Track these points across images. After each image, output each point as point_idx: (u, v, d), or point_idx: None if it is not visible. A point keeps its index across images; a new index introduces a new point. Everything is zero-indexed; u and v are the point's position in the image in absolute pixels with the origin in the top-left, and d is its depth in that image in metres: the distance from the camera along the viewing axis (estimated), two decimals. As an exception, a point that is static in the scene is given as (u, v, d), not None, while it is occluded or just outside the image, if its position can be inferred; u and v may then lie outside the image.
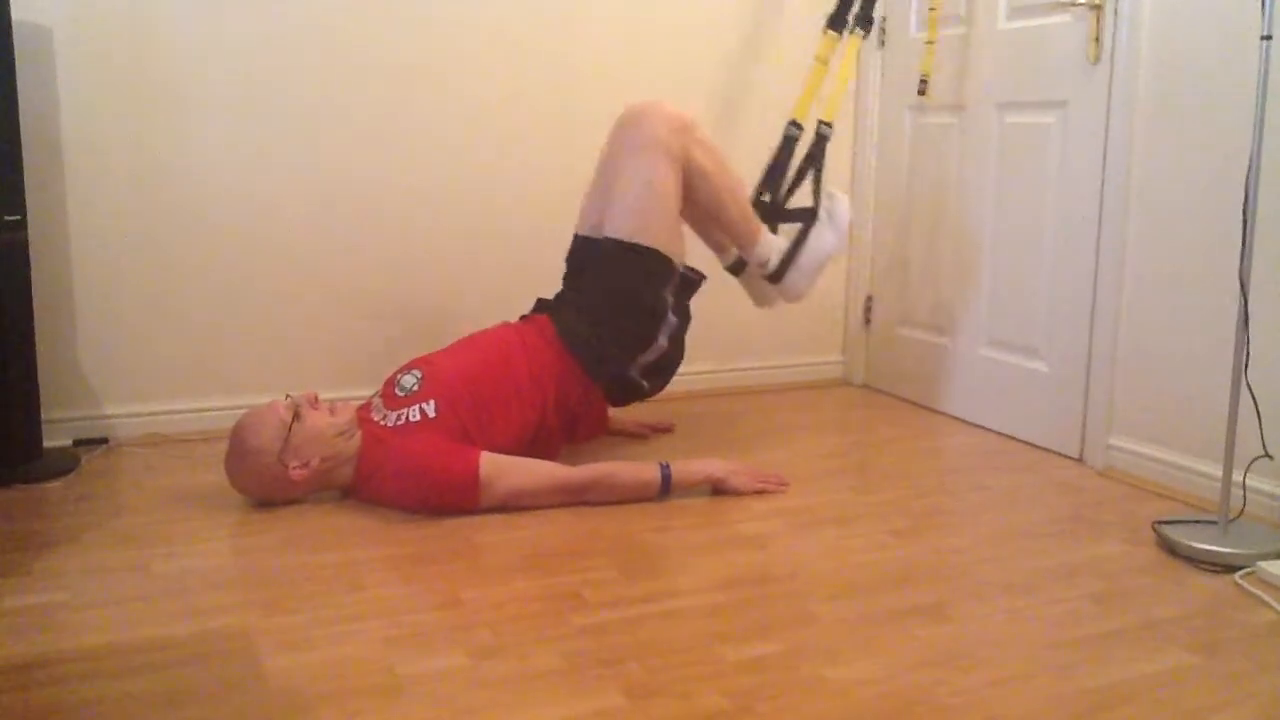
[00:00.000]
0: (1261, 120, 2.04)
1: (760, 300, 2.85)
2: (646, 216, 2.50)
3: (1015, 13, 2.87)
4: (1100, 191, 2.63)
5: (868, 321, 3.54)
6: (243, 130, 2.80)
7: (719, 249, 2.80)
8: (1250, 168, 2.05)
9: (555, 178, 3.14)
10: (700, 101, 3.27)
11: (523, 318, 2.66)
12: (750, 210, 2.66)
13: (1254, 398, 2.22)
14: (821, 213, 2.72)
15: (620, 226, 2.51)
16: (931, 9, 3.00)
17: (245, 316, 2.87)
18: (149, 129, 2.72)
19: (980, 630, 1.78)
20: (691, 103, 3.25)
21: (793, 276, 2.69)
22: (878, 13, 3.34)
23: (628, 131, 2.54)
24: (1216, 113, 2.35)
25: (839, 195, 2.73)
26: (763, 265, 2.69)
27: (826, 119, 2.82)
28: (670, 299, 2.55)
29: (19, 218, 2.43)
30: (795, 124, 2.88)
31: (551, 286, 2.71)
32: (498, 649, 1.68)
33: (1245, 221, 2.06)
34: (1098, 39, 2.60)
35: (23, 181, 2.44)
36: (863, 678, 1.61)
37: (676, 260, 2.54)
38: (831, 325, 3.58)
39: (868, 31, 2.91)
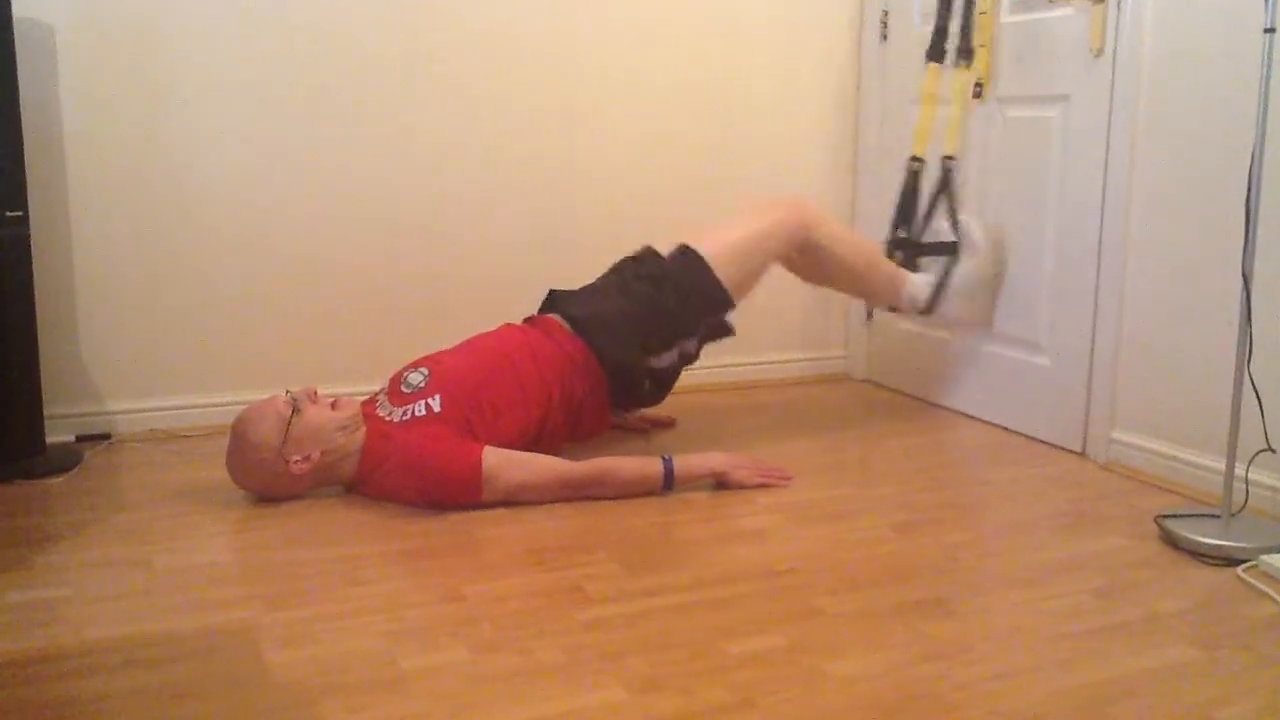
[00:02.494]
0: (1264, 113, 2.03)
1: (949, 323, 3.07)
2: (735, 255, 2.62)
3: (1017, 6, 2.86)
4: (1103, 185, 2.63)
5: (870, 316, 3.53)
6: (244, 127, 2.80)
7: (869, 301, 3.10)
8: (1253, 161, 2.04)
9: (558, 177, 3.14)
10: (695, 96, 3.27)
11: (527, 319, 2.67)
12: (887, 270, 2.84)
13: (1257, 391, 2.21)
14: (961, 244, 2.87)
15: (705, 246, 2.61)
16: (982, 12, 2.96)
17: (247, 312, 2.87)
18: (150, 125, 2.72)
19: (983, 624, 1.78)
20: (699, 110, 3.26)
21: (946, 307, 2.87)
22: (879, 8, 3.35)
23: (757, 204, 2.73)
24: (1219, 106, 2.35)
25: (969, 221, 2.88)
26: (914, 306, 2.88)
27: (949, 153, 2.88)
28: (702, 330, 2.64)
29: (21, 214, 2.43)
30: (916, 159, 2.97)
31: (554, 286, 2.71)
32: (500, 643, 1.68)
33: (1248, 215, 2.06)
34: (1100, 32, 2.59)
35: (24, 177, 2.44)
36: (865, 672, 1.61)
37: (733, 307, 2.64)
38: (834, 320, 3.58)
39: (970, 62, 2.90)
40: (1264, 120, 2.03)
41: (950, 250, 2.87)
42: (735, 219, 2.70)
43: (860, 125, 3.48)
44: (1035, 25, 2.80)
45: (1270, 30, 2.00)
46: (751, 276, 2.67)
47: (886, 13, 3.35)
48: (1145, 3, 2.48)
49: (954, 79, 2.88)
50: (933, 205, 2.90)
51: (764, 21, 3.31)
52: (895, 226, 2.98)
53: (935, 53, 2.96)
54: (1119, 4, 2.54)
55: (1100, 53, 2.61)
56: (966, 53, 2.89)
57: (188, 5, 2.70)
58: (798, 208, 2.69)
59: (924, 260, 2.93)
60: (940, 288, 2.85)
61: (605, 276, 2.70)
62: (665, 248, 2.66)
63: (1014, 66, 2.88)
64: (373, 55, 2.89)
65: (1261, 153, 2.04)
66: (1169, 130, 2.46)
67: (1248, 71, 2.27)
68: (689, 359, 2.69)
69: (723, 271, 2.59)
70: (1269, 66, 2.01)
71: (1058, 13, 2.72)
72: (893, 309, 3.04)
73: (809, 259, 2.75)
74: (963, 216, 2.89)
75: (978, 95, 3.10)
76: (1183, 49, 2.42)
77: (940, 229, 2.92)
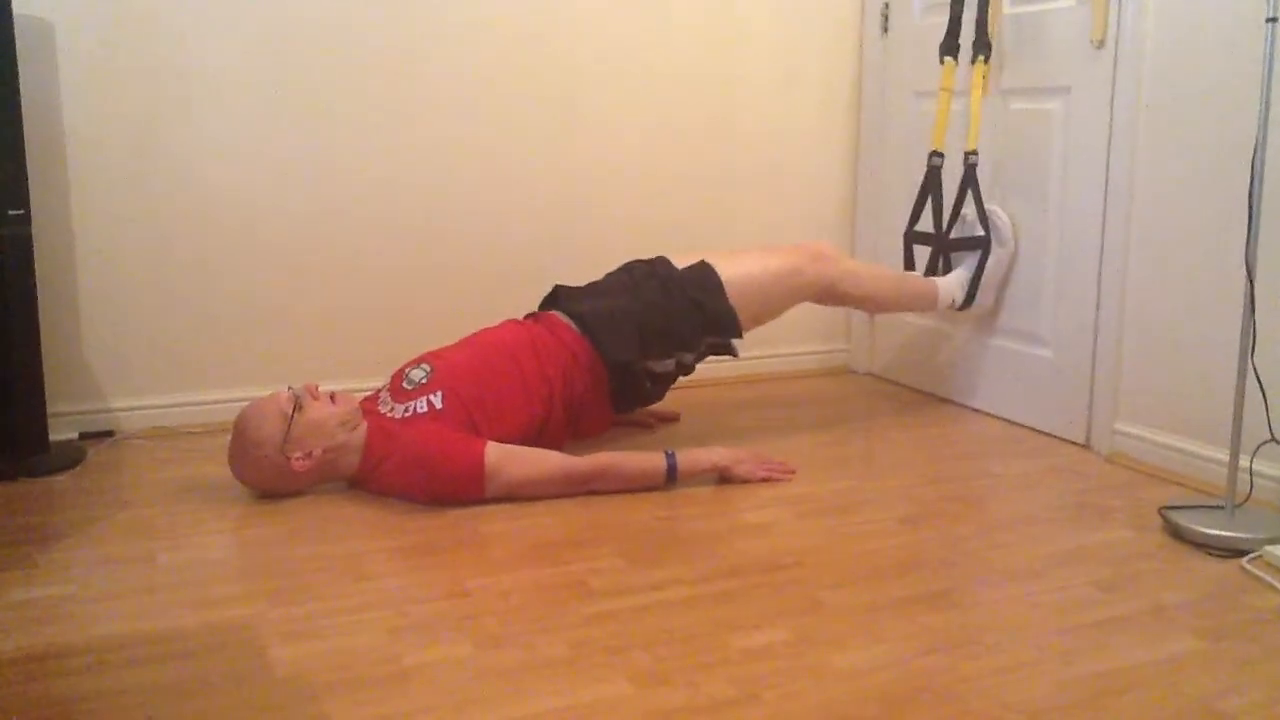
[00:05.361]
0: (1267, 104, 2.03)
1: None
2: (753, 286, 2.63)
3: (1019, -2, 2.86)
4: (1105, 177, 2.62)
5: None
6: (246, 124, 2.80)
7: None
8: (1256, 152, 2.04)
9: (560, 174, 3.13)
10: (694, 93, 3.26)
11: (530, 315, 2.66)
12: (915, 288, 2.88)
13: (1260, 382, 2.21)
14: (991, 237, 2.89)
15: (725, 270, 2.60)
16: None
17: (249, 309, 2.87)
18: (151, 122, 2.72)
19: (987, 616, 1.78)
20: (700, 107, 3.25)
21: (980, 299, 2.92)
22: (880, 0, 3.34)
23: (783, 245, 2.76)
24: (1222, 97, 2.34)
25: (996, 210, 2.90)
26: (952, 305, 2.92)
27: (971, 148, 2.87)
28: (703, 347, 2.64)
29: (22, 212, 2.43)
30: (937, 154, 2.97)
31: (555, 283, 2.71)
32: (504, 638, 1.68)
33: (1251, 205, 2.05)
34: (1102, 24, 2.59)
35: (26, 176, 2.44)
36: (870, 665, 1.61)
37: (740, 336, 2.64)
38: (836, 313, 3.57)
39: (987, 57, 2.88)
40: (1266, 111, 2.03)
41: (982, 245, 2.88)
42: (755, 253, 2.69)
43: (862, 117, 3.47)
44: (1036, 17, 2.79)
45: (1272, 20, 1.99)
46: (768, 311, 2.68)
47: (887, 5, 3.34)
48: (1147, -7, 2.48)
49: (973, 73, 2.87)
50: (959, 201, 2.90)
51: (765, 14, 3.31)
52: (914, 221, 2.99)
53: (949, 47, 2.94)
54: (1121, -5, 2.54)
55: (1101, 44, 2.60)
56: (984, 46, 2.87)
57: (189, 2, 2.70)
58: (814, 257, 2.68)
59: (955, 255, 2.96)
60: (975, 281, 2.89)
61: (614, 274, 2.70)
62: (682, 261, 2.65)
63: (1015, 58, 2.87)
64: (374, 52, 2.89)
65: (1264, 143, 2.04)
66: (1171, 122, 2.46)
67: (1250, 62, 2.26)
68: (685, 370, 2.69)
69: (736, 298, 2.58)
70: (1271, 57, 2.01)
71: (1059, 4, 2.72)
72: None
73: (836, 300, 2.78)
74: (989, 206, 2.90)
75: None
76: (1184, 40, 2.41)
77: (968, 223, 2.93)
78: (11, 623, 1.73)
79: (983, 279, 2.89)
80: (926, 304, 2.91)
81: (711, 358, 2.74)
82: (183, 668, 1.59)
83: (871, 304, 2.86)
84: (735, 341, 2.67)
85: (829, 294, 2.72)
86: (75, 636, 1.68)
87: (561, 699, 1.51)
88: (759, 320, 2.68)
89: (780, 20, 3.33)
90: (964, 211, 2.89)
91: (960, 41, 2.93)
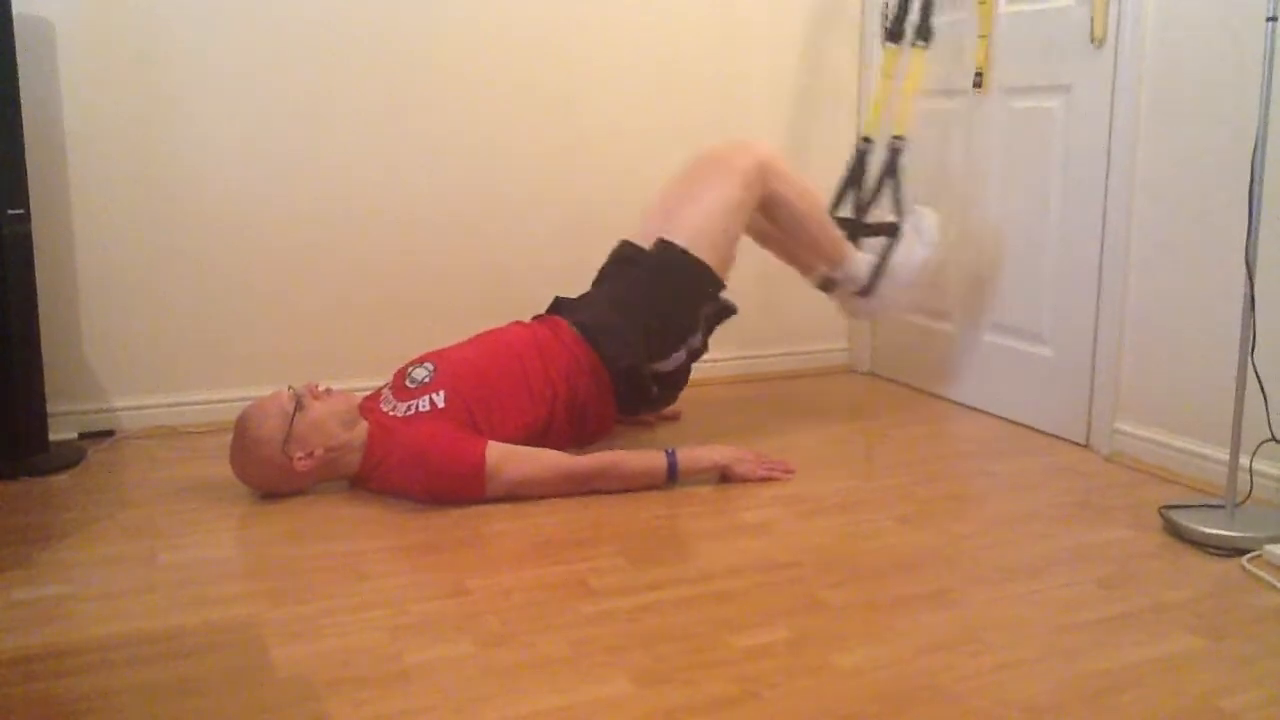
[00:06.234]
0: (1267, 101, 2.03)
1: (853, 314, 2.97)
2: (710, 235, 2.56)
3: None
4: (1105, 175, 2.62)
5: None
6: (246, 123, 2.80)
7: (806, 269, 2.88)
8: (1256, 150, 2.04)
9: (561, 172, 3.13)
10: (693, 86, 3.26)
11: (536, 317, 2.66)
12: (836, 233, 2.74)
13: (1260, 381, 2.21)
14: (906, 227, 2.78)
15: (681, 235, 2.56)
16: (981, 2, 2.96)
17: (249, 308, 2.87)
18: (151, 121, 2.72)
19: (987, 615, 1.78)
20: (700, 104, 3.25)
21: (884, 290, 2.78)
22: (879, 1, 3.34)
23: (713, 161, 2.63)
24: (1222, 95, 2.34)
25: (924, 210, 2.81)
26: (853, 282, 2.77)
27: (899, 134, 2.84)
28: (703, 320, 2.61)
29: (22, 211, 2.43)
30: (865, 139, 2.94)
31: (557, 282, 2.72)
32: (505, 637, 1.68)
33: (1251, 204, 2.05)
34: (1102, 22, 2.59)
35: (26, 175, 2.44)
36: (870, 663, 1.61)
37: (723, 283, 2.60)
38: (836, 312, 3.57)
39: (928, 42, 2.88)
40: (1266, 108, 2.03)
41: (891, 231, 2.78)
42: (697, 188, 2.60)
43: (860, 118, 3.47)
44: (1036, 15, 2.79)
45: (1273, 19, 1.99)
46: (731, 246, 2.61)
47: (888, 4, 3.33)
48: (1147, -8, 2.48)
49: (911, 59, 2.86)
50: (879, 186, 2.84)
51: (765, 15, 3.31)
52: (836, 204, 2.91)
53: (894, 34, 2.95)
54: (1121, -7, 2.54)
55: (1102, 42, 2.60)
56: (925, 33, 2.87)
57: (189, 2, 2.70)
58: (754, 158, 2.58)
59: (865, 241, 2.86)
60: (879, 270, 2.77)
61: (599, 287, 2.69)
62: (640, 234, 2.63)
63: (1016, 57, 2.87)
64: (376, 50, 2.89)
65: (1264, 141, 2.04)
66: (1171, 120, 2.46)
67: (1250, 60, 2.26)
68: (697, 353, 2.67)
69: (704, 254, 2.55)
70: (1271, 55, 2.01)
71: (1059, 3, 2.72)
72: (825, 286, 2.88)
73: (766, 213, 2.66)
74: (920, 207, 2.82)
75: (978, 85, 3.09)
76: (1184, 38, 2.41)
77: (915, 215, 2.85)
78: (11, 622, 1.73)
79: (891, 273, 2.76)
80: (837, 258, 2.75)
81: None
82: (183, 667, 1.59)
83: (797, 224, 2.67)
84: (726, 298, 2.64)
85: (767, 203, 2.63)
86: (75, 636, 1.68)
87: (562, 698, 1.51)
88: (729, 256, 2.63)
89: (780, 20, 3.33)
90: (901, 199, 2.82)
91: (905, 29, 2.92)
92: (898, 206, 2.82)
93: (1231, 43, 2.31)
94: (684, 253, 2.55)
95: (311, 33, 2.82)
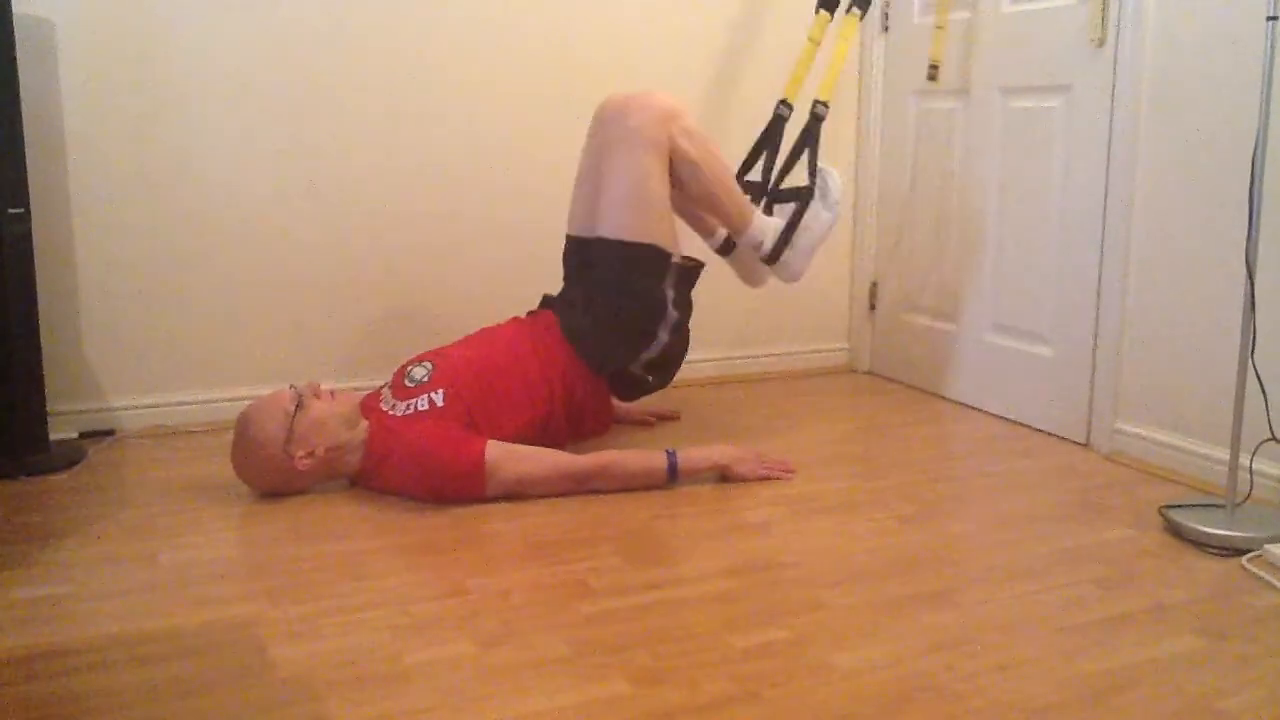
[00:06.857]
0: (1267, 102, 2.03)
1: (751, 279, 2.83)
2: (638, 212, 2.48)
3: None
4: (1105, 175, 2.62)
5: (872, 308, 3.53)
6: (246, 122, 2.80)
7: (706, 232, 2.78)
8: (1256, 150, 2.04)
9: (560, 170, 3.12)
10: (692, 86, 3.26)
11: (530, 314, 2.66)
12: (741, 195, 2.62)
13: (1260, 381, 2.21)
14: (816, 192, 2.67)
15: (612, 225, 2.50)
16: None
17: (249, 308, 2.87)
18: (151, 121, 2.72)
19: (987, 615, 1.78)
20: (681, 87, 3.25)
21: (789, 256, 2.65)
22: (880, 1, 3.34)
23: (612, 126, 2.51)
24: (1222, 95, 2.34)
25: (829, 169, 2.69)
26: (757, 248, 2.65)
27: (823, 98, 2.76)
28: (670, 292, 2.54)
29: (22, 210, 2.43)
30: (785, 104, 2.85)
31: (556, 280, 2.71)
32: (504, 637, 1.68)
33: (1251, 204, 2.05)
34: (1102, 22, 2.59)
35: (26, 174, 2.44)
36: (869, 663, 1.61)
37: (672, 252, 2.52)
38: (836, 312, 3.58)
39: (864, 11, 2.84)
40: (1267, 109, 2.03)
41: (804, 196, 2.67)
42: (605, 165, 2.51)
43: (861, 116, 3.47)
44: (1036, 15, 2.79)
45: (1273, 18, 1.99)
46: (664, 208, 2.49)
47: (888, 4, 3.34)
48: (1147, -8, 2.48)
49: (843, 24, 2.82)
50: (795, 151, 2.76)
51: (765, 12, 3.30)
52: (744, 170, 2.82)
53: (828, 3, 2.93)
54: (1121, -7, 2.54)
55: (1101, 42, 2.60)
56: (863, 2, 2.84)
57: (189, 1, 2.70)
58: (653, 113, 2.47)
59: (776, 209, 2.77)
60: (788, 233, 2.64)
61: (570, 288, 2.66)
62: (575, 219, 2.60)
63: (1016, 56, 2.87)
64: (375, 50, 2.89)
65: (1264, 141, 2.04)
66: (1171, 120, 2.46)
67: (1250, 60, 2.26)
68: (680, 325, 2.58)
69: (641, 233, 2.47)
70: (1272, 55, 2.01)
71: (1059, 2, 2.72)
72: (724, 250, 2.78)
73: (671, 172, 2.52)
74: (825, 166, 2.71)
75: (933, 78, 3.09)
76: (1185, 38, 2.41)
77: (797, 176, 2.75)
78: (11, 622, 1.73)
79: (798, 239, 2.64)
80: (741, 222, 2.62)
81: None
82: (183, 667, 1.59)
83: (697, 178, 2.52)
84: (685, 260, 2.56)
85: (673, 154, 2.49)
86: (76, 635, 1.68)
87: (561, 698, 1.51)
88: (669, 226, 2.52)
89: (780, 20, 3.32)
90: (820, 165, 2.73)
91: None
92: (813, 172, 2.71)
93: (1231, 43, 2.31)
94: (624, 244, 2.48)
95: (311, 33, 2.82)
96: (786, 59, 3.30)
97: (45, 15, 2.59)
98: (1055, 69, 2.74)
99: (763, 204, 2.75)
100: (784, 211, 2.69)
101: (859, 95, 3.46)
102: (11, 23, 2.36)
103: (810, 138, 2.75)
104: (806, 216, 2.65)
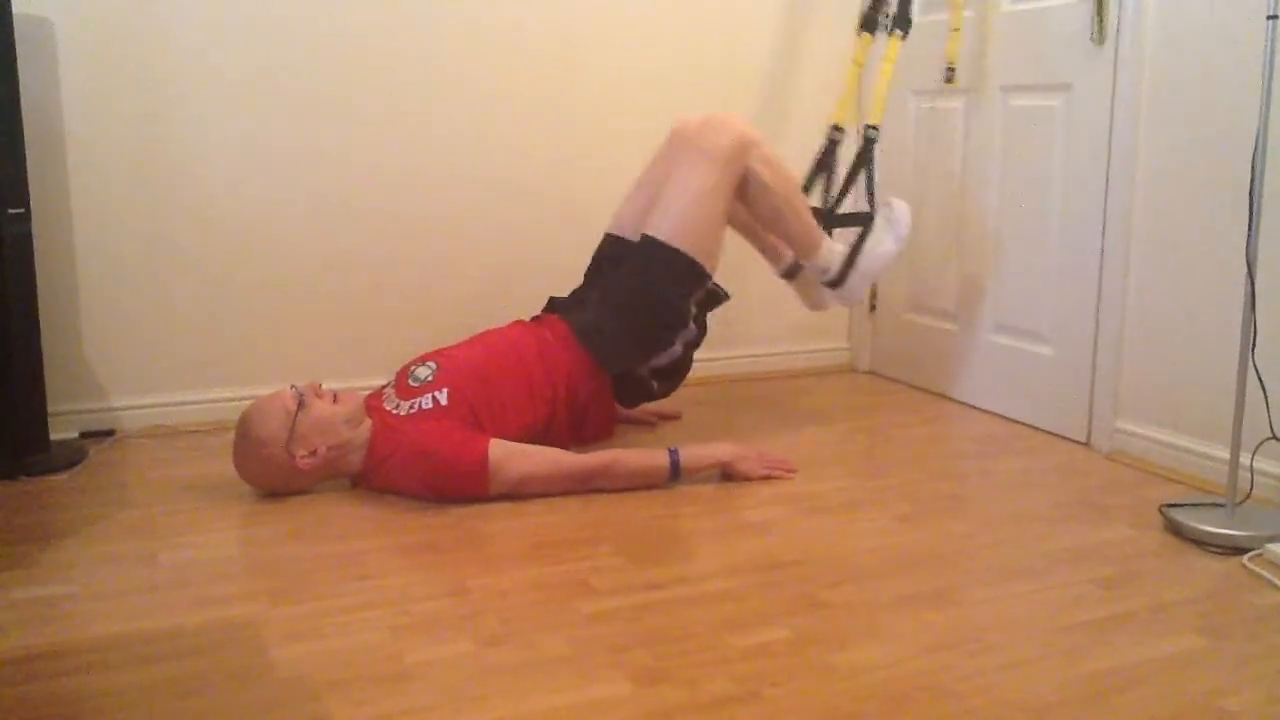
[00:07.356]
0: (1267, 100, 2.03)
1: (814, 304, 2.91)
2: (692, 224, 2.51)
3: (1019, -5, 2.86)
4: (1106, 174, 2.62)
5: (873, 308, 3.53)
6: (246, 122, 2.80)
7: (774, 256, 2.85)
8: (1256, 148, 2.04)
9: (561, 171, 3.13)
10: (693, 87, 3.26)
11: (535, 318, 2.67)
12: (812, 220, 2.67)
13: (1261, 379, 2.21)
14: (879, 218, 2.73)
15: (662, 228, 2.52)
16: None
17: (250, 308, 2.87)
18: (152, 121, 2.72)
19: (988, 615, 1.77)
20: (684, 87, 3.25)
21: (852, 281, 2.70)
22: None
23: (690, 141, 2.55)
24: (1222, 93, 2.34)
25: (897, 202, 2.75)
26: (824, 272, 2.70)
27: (873, 122, 2.81)
28: (694, 309, 2.58)
29: (22, 210, 2.43)
30: (837, 128, 2.90)
31: (557, 281, 2.72)
32: (505, 637, 1.68)
33: (1252, 202, 2.05)
34: (1102, 20, 2.59)
35: (26, 174, 2.44)
36: (870, 663, 1.61)
37: (709, 273, 2.56)
38: (837, 311, 3.57)
39: (906, 32, 2.86)
40: (1267, 107, 2.03)
41: (865, 221, 2.73)
42: (673, 174, 2.54)
43: (861, 115, 3.46)
44: (1036, 14, 2.79)
45: (1273, 17, 1.99)
46: (715, 231, 2.55)
47: (888, 4, 3.33)
48: (1147, -10, 2.48)
49: (886, 47, 2.85)
50: (851, 176, 2.80)
51: (765, 14, 3.30)
52: (805, 193, 2.84)
53: (869, 24, 2.95)
54: (1121, -8, 2.54)
55: (1102, 41, 2.60)
56: (904, 22, 2.85)
57: (189, 1, 2.70)
58: (730, 136, 2.50)
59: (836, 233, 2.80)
60: (852, 258, 2.68)
61: (589, 286, 2.69)
62: (619, 222, 2.64)
63: (1016, 55, 2.87)
64: (376, 50, 2.89)
65: (1264, 140, 2.04)
66: (1172, 118, 2.46)
67: (1250, 59, 2.26)
68: (694, 343, 2.66)
69: (688, 244, 2.50)
70: (1272, 53, 2.00)
71: (1060, 1, 2.71)
72: (789, 274, 2.84)
73: (739, 193, 2.57)
74: (894, 199, 2.76)
75: (949, 80, 3.09)
76: (1185, 36, 2.41)
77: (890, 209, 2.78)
78: (11, 622, 1.73)
79: (861, 263, 2.68)
80: (810, 245, 2.66)
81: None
82: (183, 667, 1.59)
83: (772, 206, 2.57)
84: (716, 285, 2.62)
85: (743, 182, 2.55)
86: (76, 635, 1.68)
87: (562, 697, 1.51)
88: (717, 245, 2.56)
89: (780, 20, 3.33)
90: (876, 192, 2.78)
91: (881, 20, 2.91)
92: (871, 196, 2.77)
93: (1232, 41, 2.31)
94: (667, 247, 2.51)
95: (311, 33, 2.82)
96: (820, 85, 3.31)
97: (45, 15, 2.59)
98: (1055, 68, 2.74)
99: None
100: (842, 236, 2.75)
101: (859, 94, 3.45)
102: (11, 23, 2.36)
103: (865, 162, 2.79)
104: (869, 242, 2.70)
